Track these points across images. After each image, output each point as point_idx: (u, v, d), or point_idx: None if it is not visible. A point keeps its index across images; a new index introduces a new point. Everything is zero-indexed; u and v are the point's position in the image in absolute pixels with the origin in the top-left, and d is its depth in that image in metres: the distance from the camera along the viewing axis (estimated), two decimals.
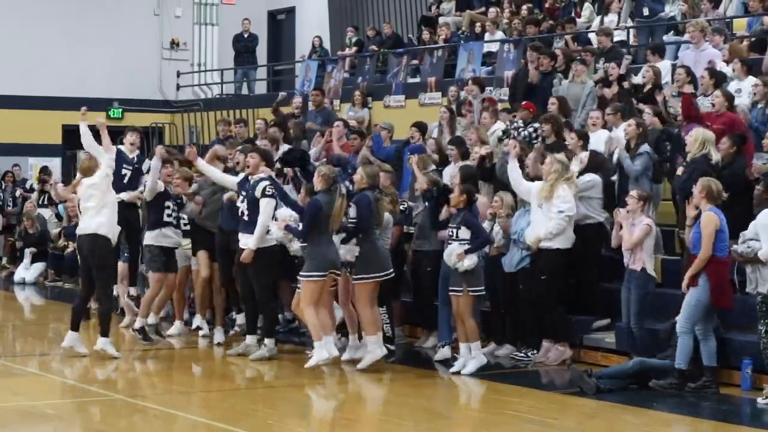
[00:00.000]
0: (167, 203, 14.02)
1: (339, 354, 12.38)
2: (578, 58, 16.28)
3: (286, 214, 12.30)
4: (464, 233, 12.09)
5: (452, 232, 12.20)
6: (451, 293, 12.28)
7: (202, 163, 13.64)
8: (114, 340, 13.40)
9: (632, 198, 12.05)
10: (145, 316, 14.05)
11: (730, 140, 12.44)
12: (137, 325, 14.00)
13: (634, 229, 11.92)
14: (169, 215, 14.01)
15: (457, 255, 11.96)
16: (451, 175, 13.50)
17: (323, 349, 11.99)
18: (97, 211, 12.75)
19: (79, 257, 13.62)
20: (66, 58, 26.63)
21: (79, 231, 13.02)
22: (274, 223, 12.35)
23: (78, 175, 13.37)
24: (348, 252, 12.14)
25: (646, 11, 18.33)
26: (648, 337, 12.03)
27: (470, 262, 11.98)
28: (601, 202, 13.09)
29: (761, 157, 12.91)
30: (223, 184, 13.49)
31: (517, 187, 12.83)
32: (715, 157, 12.14)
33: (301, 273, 12.20)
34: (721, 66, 14.74)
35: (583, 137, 13.61)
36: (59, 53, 26.60)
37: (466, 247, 11.99)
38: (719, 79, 14.22)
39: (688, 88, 13.79)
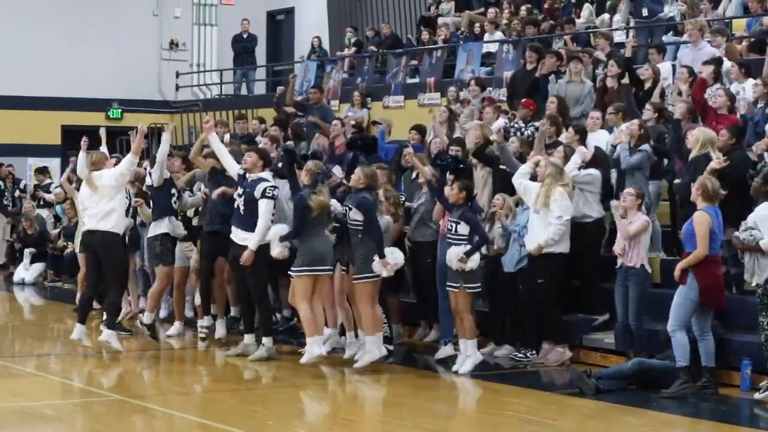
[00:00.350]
0: (173, 191, 14.04)
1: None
2: (576, 56, 16.27)
3: (279, 230, 12.36)
4: (463, 229, 12.11)
5: (451, 226, 12.21)
6: (448, 288, 12.31)
7: (214, 138, 13.37)
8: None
9: (630, 195, 12.06)
10: (153, 310, 14.07)
11: (729, 132, 12.42)
12: (146, 320, 13.99)
13: (632, 226, 11.93)
14: (174, 202, 14.06)
15: (459, 259, 11.97)
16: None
17: (315, 345, 12.08)
18: (107, 208, 12.86)
19: (83, 254, 13.62)
20: (65, 58, 26.63)
21: (87, 227, 13.05)
22: (275, 241, 12.38)
23: (85, 170, 13.38)
24: (395, 262, 12.16)
25: (645, 12, 18.34)
26: (646, 336, 12.03)
27: (473, 263, 12.00)
28: (599, 197, 13.08)
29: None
30: (227, 168, 13.27)
31: (517, 181, 12.80)
32: (715, 156, 12.11)
33: (291, 268, 12.28)
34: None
35: (581, 132, 13.62)
36: (59, 53, 26.59)
37: (467, 248, 12.00)
38: (718, 74, 14.19)
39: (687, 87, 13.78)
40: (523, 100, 15.44)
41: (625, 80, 15.29)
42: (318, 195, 12.15)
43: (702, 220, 11.09)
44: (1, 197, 23.42)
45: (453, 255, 12.03)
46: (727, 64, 14.65)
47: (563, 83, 15.87)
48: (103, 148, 14.81)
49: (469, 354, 12.25)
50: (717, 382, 11.24)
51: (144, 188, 14.67)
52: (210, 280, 13.89)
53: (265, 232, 12.57)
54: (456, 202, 12.22)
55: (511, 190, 13.10)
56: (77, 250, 16.05)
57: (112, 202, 12.90)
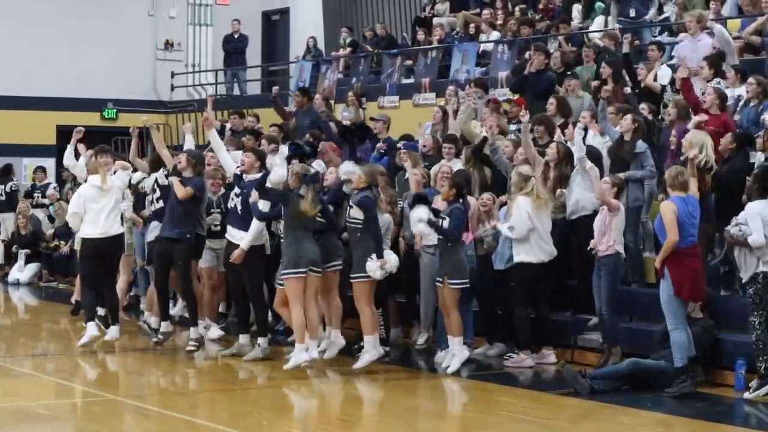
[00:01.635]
0: None
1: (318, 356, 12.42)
2: (570, 73, 16.24)
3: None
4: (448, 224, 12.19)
5: (441, 222, 12.23)
6: (436, 284, 12.34)
7: (214, 135, 13.38)
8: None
9: (606, 183, 12.15)
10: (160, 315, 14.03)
11: (733, 137, 12.43)
12: (155, 325, 13.94)
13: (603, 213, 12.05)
14: None
15: (419, 220, 12.01)
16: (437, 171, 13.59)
17: (303, 352, 12.04)
18: (115, 212, 13.25)
19: (84, 258, 13.54)
20: (62, 58, 26.59)
21: (100, 235, 13.13)
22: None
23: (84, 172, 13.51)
24: (390, 265, 12.11)
25: (632, 12, 18.37)
26: (618, 326, 12.12)
27: (423, 227, 12.03)
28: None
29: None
30: (223, 165, 13.33)
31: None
32: (710, 157, 12.10)
33: (281, 272, 12.24)
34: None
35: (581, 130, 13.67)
36: (56, 53, 26.54)
37: (432, 218, 12.00)
38: (718, 69, 14.21)
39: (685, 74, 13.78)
40: (515, 98, 15.46)
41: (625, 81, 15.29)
42: (303, 203, 12.05)
43: (667, 209, 11.10)
44: (16, 195, 23.35)
45: (415, 216, 12.05)
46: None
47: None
48: (83, 158, 14.61)
49: (455, 352, 12.24)
50: (695, 373, 11.16)
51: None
52: (167, 284, 13.64)
53: (259, 232, 12.62)
54: (447, 198, 12.25)
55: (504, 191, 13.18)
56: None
57: (117, 202, 13.34)
